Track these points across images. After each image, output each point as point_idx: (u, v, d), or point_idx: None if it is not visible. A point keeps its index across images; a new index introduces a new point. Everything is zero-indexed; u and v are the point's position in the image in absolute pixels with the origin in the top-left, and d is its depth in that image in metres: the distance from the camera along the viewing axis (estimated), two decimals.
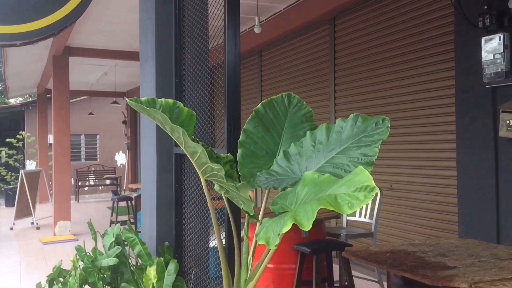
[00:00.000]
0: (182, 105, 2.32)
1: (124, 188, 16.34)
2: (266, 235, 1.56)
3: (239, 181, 2.13)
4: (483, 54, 3.82)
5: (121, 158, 18.41)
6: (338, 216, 4.19)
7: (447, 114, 4.52)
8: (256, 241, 1.84)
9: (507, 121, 3.70)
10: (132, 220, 8.39)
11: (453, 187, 4.42)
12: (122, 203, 9.21)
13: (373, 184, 1.24)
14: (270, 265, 3.87)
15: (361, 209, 4.81)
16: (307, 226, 1.41)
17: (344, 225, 4.90)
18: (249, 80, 8.49)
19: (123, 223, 7.64)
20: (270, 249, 1.91)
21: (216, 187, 2.08)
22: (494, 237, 3.92)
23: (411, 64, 4.97)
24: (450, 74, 4.46)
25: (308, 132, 1.79)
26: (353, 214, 4.86)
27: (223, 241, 2.35)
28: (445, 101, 4.56)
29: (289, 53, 7.23)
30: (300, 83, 6.90)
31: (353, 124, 1.71)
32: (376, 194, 4.78)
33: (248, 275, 2.07)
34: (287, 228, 1.45)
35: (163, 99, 2.28)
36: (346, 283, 3.64)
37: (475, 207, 4.13)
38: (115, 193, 11.86)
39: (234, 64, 2.70)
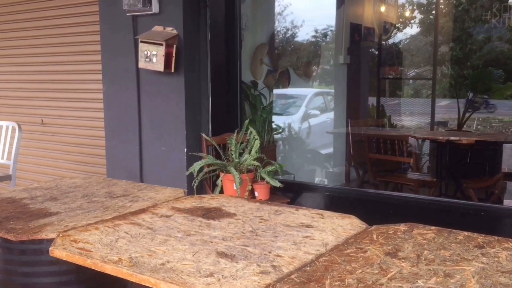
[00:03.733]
0: None
1: None
2: None
3: None
4: None
5: None
6: None
7: (93, 43, 4.22)
8: None
9: (145, 52, 3.62)
10: None
11: (101, 120, 4.23)
12: None
13: None
14: None
15: None
16: None
17: None
18: None
19: None
20: None
21: None
22: (138, 167, 3.94)
23: None
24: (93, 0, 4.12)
25: None
26: None
27: None
28: (91, 28, 4.23)
29: None
30: None
31: None
32: (14, 132, 4.24)
33: None
34: None
35: None
36: None
37: (120, 140, 4.04)
38: None
39: None
